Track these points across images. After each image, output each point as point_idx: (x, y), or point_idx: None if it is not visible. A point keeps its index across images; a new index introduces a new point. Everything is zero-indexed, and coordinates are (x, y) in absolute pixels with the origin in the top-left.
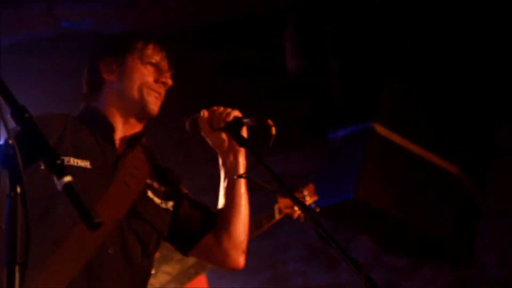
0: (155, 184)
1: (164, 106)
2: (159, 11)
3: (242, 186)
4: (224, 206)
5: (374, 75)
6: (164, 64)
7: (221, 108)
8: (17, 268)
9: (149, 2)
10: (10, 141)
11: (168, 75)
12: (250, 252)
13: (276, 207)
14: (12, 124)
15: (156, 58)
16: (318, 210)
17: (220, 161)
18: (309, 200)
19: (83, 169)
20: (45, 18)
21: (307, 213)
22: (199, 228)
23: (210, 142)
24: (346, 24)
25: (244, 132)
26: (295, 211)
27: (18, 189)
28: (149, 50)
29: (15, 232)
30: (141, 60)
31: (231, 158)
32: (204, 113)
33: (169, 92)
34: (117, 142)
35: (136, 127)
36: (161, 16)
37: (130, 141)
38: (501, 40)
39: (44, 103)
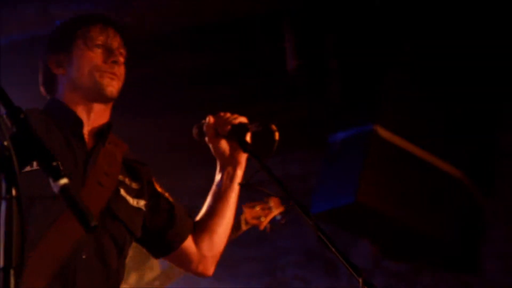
0: (127, 180)
1: (162, 108)
2: (156, 11)
3: (235, 196)
4: (212, 212)
5: (375, 76)
6: (112, 42)
7: (228, 114)
8: (12, 272)
9: (146, 2)
10: (5, 143)
11: (117, 52)
12: (248, 257)
13: (242, 217)
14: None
15: (101, 39)
16: (283, 222)
17: (218, 168)
18: (274, 212)
19: None
20: (40, 18)
21: (307, 216)
22: (178, 232)
23: (212, 149)
24: (346, 25)
25: (248, 138)
26: (261, 222)
27: (14, 192)
28: (92, 33)
29: (10, 235)
30: (86, 45)
31: (231, 166)
32: (210, 119)
33: (166, 94)
34: (86, 136)
35: (102, 115)
36: (158, 16)
37: (99, 134)
38: (504, 41)
39: (38, 103)
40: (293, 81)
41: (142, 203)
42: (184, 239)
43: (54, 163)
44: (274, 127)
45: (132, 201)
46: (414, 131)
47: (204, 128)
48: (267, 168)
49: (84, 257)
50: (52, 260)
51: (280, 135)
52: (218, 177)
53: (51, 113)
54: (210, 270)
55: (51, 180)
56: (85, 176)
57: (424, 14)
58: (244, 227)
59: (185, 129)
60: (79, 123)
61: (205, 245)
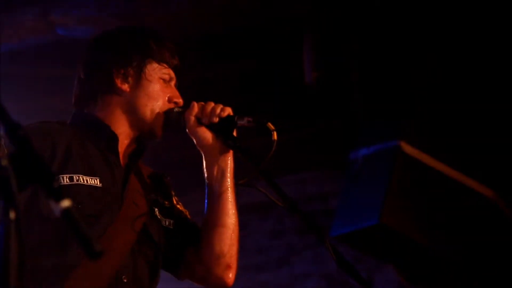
0: (160, 199)
1: None
2: (162, 19)
3: (229, 192)
4: (207, 215)
5: (399, 89)
6: (175, 81)
7: (212, 103)
8: None
9: (151, 7)
10: (4, 163)
11: (179, 94)
12: (265, 283)
13: None
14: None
15: (171, 73)
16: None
17: (205, 163)
18: None
19: (94, 187)
20: (40, 25)
21: (325, 240)
22: (181, 245)
23: (195, 140)
24: (368, 35)
25: (235, 133)
26: None
27: (12, 215)
28: (169, 63)
29: (7, 259)
30: (159, 72)
31: (221, 158)
32: (194, 105)
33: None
34: (120, 155)
35: (134, 144)
36: (164, 24)
37: (133, 155)
38: None
39: (37, 115)
40: (312, 94)
41: (171, 222)
42: (183, 252)
43: (55, 184)
44: (270, 125)
45: (164, 221)
46: (441, 147)
47: (185, 114)
48: (265, 172)
49: (125, 280)
50: (92, 285)
51: (278, 136)
52: (207, 173)
53: (83, 127)
54: (224, 279)
55: (52, 202)
56: (123, 195)
57: (448, 24)
58: None
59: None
60: (115, 139)
61: (204, 252)
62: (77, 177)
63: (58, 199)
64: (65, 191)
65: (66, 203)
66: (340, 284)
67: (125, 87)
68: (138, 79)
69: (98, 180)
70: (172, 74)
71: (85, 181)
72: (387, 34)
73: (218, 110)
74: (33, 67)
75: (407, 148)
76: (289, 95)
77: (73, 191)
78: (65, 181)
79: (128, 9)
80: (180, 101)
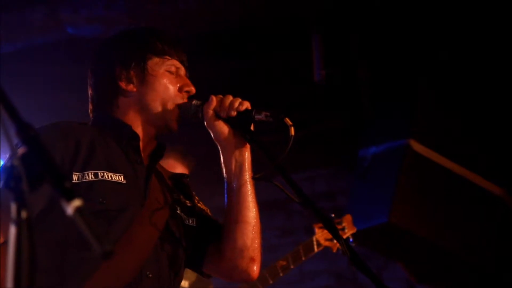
0: (182, 198)
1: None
2: (170, 16)
3: (248, 185)
4: (228, 210)
5: (408, 87)
6: (184, 70)
7: (230, 97)
8: None
9: (160, 5)
10: (15, 162)
11: (190, 82)
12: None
13: (314, 238)
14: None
15: (176, 63)
16: (355, 244)
17: (222, 158)
18: (347, 233)
19: (118, 184)
20: (49, 23)
21: (338, 236)
22: (204, 242)
23: (212, 134)
24: (377, 33)
25: (252, 127)
26: (334, 243)
27: (24, 214)
28: (168, 54)
29: (19, 259)
30: (162, 65)
31: (237, 152)
32: (213, 99)
33: None
34: (141, 154)
35: (154, 141)
36: (173, 21)
37: (153, 153)
38: None
39: (48, 113)
40: (321, 92)
41: (194, 220)
42: (205, 248)
43: (67, 184)
44: (288, 120)
45: (186, 219)
46: (451, 146)
47: (204, 108)
48: (280, 167)
49: (150, 276)
50: (117, 280)
51: (295, 133)
52: (225, 168)
53: (102, 127)
54: (249, 272)
55: (63, 202)
56: (146, 193)
57: (458, 20)
58: (316, 249)
59: (205, 141)
60: (136, 137)
61: (226, 247)
62: (102, 173)
63: (69, 199)
64: (89, 186)
65: (77, 202)
66: (349, 281)
67: (131, 87)
68: (143, 77)
69: (122, 176)
70: (178, 64)
71: (110, 177)
72: (396, 32)
73: (236, 104)
74: (43, 65)
75: (417, 146)
76: (298, 93)
77: (98, 186)
78: (89, 177)
79: (136, 8)
80: (192, 88)
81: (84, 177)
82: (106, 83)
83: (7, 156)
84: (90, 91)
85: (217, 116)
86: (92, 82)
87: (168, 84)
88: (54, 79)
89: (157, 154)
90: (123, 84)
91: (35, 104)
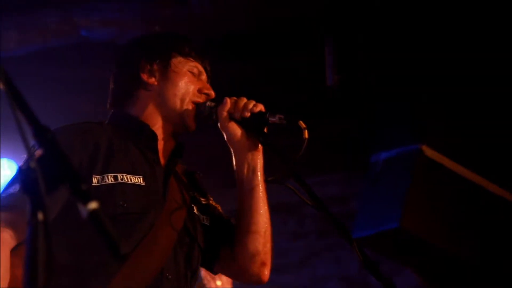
0: (197, 196)
1: None
2: (184, 20)
3: (260, 188)
4: (239, 213)
5: (421, 92)
6: (206, 76)
7: (245, 99)
8: None
9: (174, 9)
10: (32, 165)
11: (210, 87)
12: (286, 285)
13: None
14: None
15: (199, 67)
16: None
17: (235, 160)
18: None
19: (138, 186)
20: (64, 27)
21: (351, 241)
22: (216, 242)
23: (226, 136)
24: (389, 39)
25: (266, 130)
26: None
27: (40, 216)
28: (194, 57)
29: (36, 260)
30: (186, 64)
31: (250, 154)
32: (227, 101)
33: None
34: (159, 153)
35: (172, 141)
36: (187, 25)
37: (173, 154)
38: None
39: (62, 116)
40: (333, 97)
41: (207, 219)
42: (219, 249)
43: (83, 186)
44: (302, 123)
45: (202, 218)
46: (464, 151)
47: (218, 109)
48: (294, 170)
49: (170, 277)
50: (138, 282)
51: (309, 135)
52: (238, 170)
53: (121, 127)
54: (260, 276)
55: (79, 204)
56: (165, 194)
57: (473, 21)
58: None
59: (219, 145)
60: (154, 137)
61: (238, 250)
62: (121, 176)
63: (85, 201)
64: (109, 190)
65: (93, 205)
66: (360, 286)
67: (152, 80)
68: (165, 72)
69: (141, 178)
70: (200, 68)
71: (129, 180)
72: (410, 36)
73: (250, 106)
74: (58, 68)
75: (429, 152)
76: (311, 97)
77: (118, 189)
78: (109, 180)
79: (149, 11)
80: (211, 92)
81: (104, 180)
82: (128, 75)
83: (24, 158)
84: (111, 85)
85: (231, 118)
86: (114, 75)
87: (189, 83)
88: (67, 82)
89: (176, 154)
90: (145, 76)
91: (49, 106)
